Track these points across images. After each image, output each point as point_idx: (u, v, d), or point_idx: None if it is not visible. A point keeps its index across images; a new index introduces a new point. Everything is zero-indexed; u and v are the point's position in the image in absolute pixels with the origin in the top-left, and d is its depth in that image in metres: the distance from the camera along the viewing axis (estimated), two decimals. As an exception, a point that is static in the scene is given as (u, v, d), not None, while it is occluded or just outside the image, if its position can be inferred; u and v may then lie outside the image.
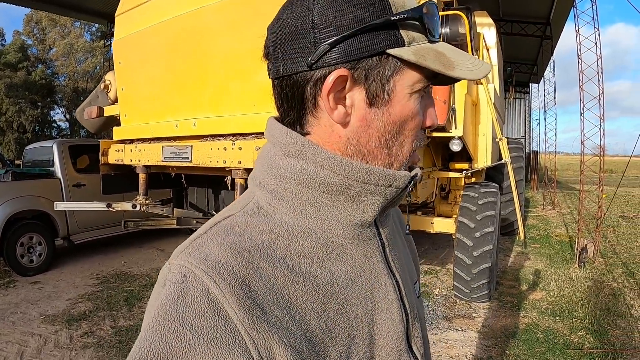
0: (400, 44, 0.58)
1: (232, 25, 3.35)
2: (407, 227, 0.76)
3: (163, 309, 0.49)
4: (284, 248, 0.58)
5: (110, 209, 4.47)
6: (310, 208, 0.62)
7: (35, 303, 5.08)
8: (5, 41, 31.05)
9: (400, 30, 0.58)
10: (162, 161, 4.02)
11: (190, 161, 3.74)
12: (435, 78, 0.64)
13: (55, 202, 5.19)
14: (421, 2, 0.61)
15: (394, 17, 0.57)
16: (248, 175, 3.45)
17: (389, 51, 0.57)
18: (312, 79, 0.59)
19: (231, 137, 3.51)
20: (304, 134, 0.64)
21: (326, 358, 0.56)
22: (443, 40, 0.67)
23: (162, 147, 4.03)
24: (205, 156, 3.64)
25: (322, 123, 0.62)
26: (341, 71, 0.57)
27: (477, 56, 0.60)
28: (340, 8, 0.56)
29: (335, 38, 0.56)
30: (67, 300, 5.18)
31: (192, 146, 3.75)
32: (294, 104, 0.63)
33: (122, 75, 4.51)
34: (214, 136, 3.69)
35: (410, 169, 0.68)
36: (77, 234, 6.94)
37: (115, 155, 4.61)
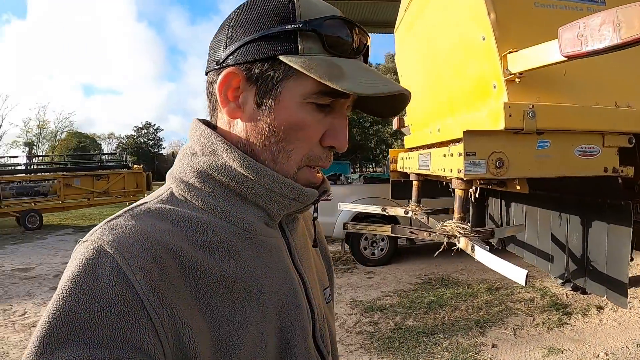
0: (294, 52, 0.60)
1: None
2: (315, 239, 0.82)
3: (74, 281, 0.50)
4: (191, 236, 0.60)
5: (385, 213, 4.77)
6: (220, 202, 0.65)
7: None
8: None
9: (298, 39, 0.61)
10: (418, 169, 4.03)
11: (429, 169, 3.63)
12: (343, 96, 0.63)
13: (339, 203, 5.49)
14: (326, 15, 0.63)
15: (288, 27, 0.60)
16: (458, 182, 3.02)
17: (281, 57, 0.60)
18: (219, 76, 0.65)
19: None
20: (214, 128, 0.70)
21: (239, 342, 0.59)
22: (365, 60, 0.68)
23: (419, 154, 4.04)
24: (438, 164, 3.48)
25: (225, 118, 0.68)
26: (232, 69, 0.63)
27: (395, 81, 0.52)
28: (250, 17, 0.63)
29: (240, 42, 0.63)
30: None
31: (430, 153, 3.64)
32: (209, 99, 0.71)
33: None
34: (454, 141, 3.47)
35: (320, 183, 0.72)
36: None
37: (400, 162, 4.89)
